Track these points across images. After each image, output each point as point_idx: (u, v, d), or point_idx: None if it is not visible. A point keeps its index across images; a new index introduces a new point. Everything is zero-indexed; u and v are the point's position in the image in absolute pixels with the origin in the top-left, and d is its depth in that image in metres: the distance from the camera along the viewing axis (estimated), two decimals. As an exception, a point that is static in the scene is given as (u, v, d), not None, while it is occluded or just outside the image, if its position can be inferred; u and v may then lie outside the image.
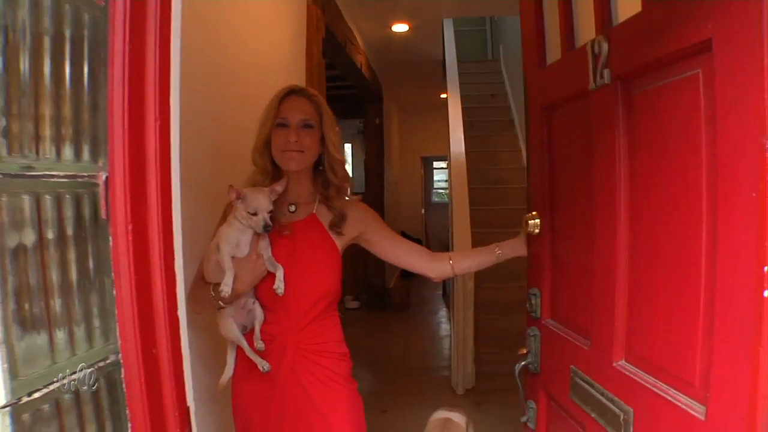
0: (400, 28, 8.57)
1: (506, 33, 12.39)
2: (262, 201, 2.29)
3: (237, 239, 2.32)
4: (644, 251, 1.80)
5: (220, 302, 2.35)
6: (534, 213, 2.54)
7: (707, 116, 1.51)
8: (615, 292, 1.91)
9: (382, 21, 8.29)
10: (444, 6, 8.22)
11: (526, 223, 2.54)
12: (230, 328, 2.42)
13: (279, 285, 2.37)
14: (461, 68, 9.48)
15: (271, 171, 2.54)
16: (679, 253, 1.62)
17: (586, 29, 2.24)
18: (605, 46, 1.93)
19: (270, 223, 2.29)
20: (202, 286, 2.44)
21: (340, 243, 2.59)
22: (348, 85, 10.32)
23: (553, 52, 2.55)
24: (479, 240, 5.33)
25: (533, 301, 2.58)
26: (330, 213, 2.60)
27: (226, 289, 2.27)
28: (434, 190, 20.09)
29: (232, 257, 2.32)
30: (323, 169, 2.60)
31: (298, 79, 4.61)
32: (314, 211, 2.61)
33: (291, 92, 2.54)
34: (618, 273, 1.89)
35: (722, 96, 1.44)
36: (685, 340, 1.58)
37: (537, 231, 2.52)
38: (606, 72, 1.93)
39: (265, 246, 2.39)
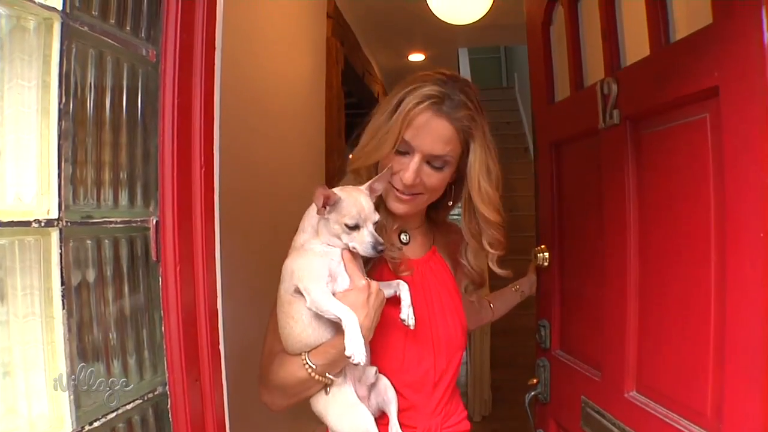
0: (416, 57, 8.71)
1: (521, 61, 12.49)
2: (365, 205, 1.62)
3: (327, 268, 1.64)
4: (654, 285, 1.87)
5: (327, 376, 1.66)
6: (543, 246, 2.61)
7: (715, 158, 1.59)
8: (626, 325, 1.97)
9: (399, 51, 8.43)
10: (459, 36, 8.33)
11: (536, 256, 2.61)
12: (361, 418, 1.66)
13: (408, 313, 1.70)
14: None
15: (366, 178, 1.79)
16: (689, 287, 1.69)
17: (594, 69, 2.32)
18: (614, 87, 2.02)
19: (381, 239, 1.62)
20: (287, 362, 1.70)
21: (458, 282, 2.04)
22: (365, 112, 10.40)
23: (562, 89, 2.63)
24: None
25: (543, 333, 2.64)
26: (446, 242, 2.07)
27: (357, 351, 1.52)
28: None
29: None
30: (452, 204, 2.01)
31: (318, 110, 4.73)
32: (434, 243, 2.04)
33: (432, 103, 1.73)
34: (628, 306, 1.96)
35: (729, 139, 1.52)
36: (696, 371, 1.65)
37: (546, 264, 2.59)
38: (615, 112, 2.01)
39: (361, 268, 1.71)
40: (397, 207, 1.82)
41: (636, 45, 2.00)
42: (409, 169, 1.74)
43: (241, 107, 2.94)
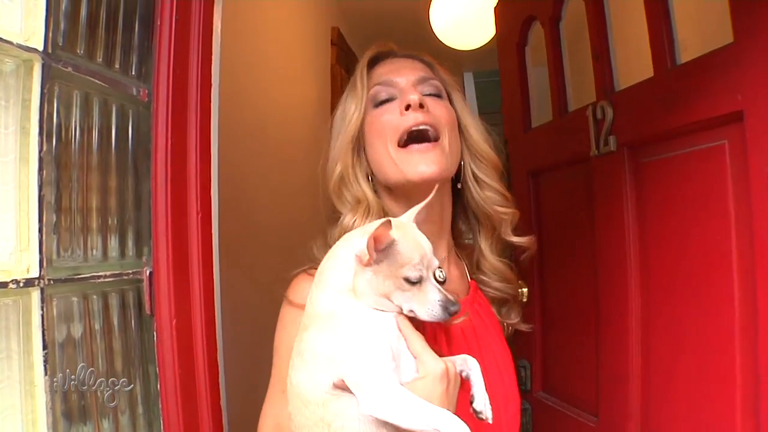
0: (421, 82, 8.66)
1: (526, 83, 12.46)
2: (426, 247, 1.15)
3: (389, 348, 1.11)
4: (661, 326, 1.75)
5: None
6: (520, 282, 2.45)
7: (736, 187, 1.49)
8: (628, 368, 1.84)
9: (404, 76, 8.38)
10: (464, 60, 8.30)
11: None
12: None
13: (484, 402, 1.18)
14: (482, 119, 9.51)
15: (373, 204, 1.40)
16: (707, 328, 1.57)
17: (580, 93, 2.21)
18: (610, 112, 1.89)
19: (453, 297, 1.13)
20: None
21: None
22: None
23: (539, 114, 2.51)
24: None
25: (522, 374, 2.44)
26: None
27: None
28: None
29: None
30: (461, 186, 1.53)
31: (323, 137, 4.61)
32: (468, 274, 1.58)
33: (384, 53, 1.54)
34: (630, 348, 1.83)
35: (756, 167, 1.42)
36: (716, 422, 1.53)
37: (524, 300, 2.43)
38: (611, 138, 1.88)
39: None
40: (418, 167, 1.34)
41: (631, 67, 1.90)
42: (405, 91, 1.40)
43: (242, 143, 2.85)
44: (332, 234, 1.36)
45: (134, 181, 1.28)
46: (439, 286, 1.12)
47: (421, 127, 1.35)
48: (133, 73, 1.30)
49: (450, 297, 1.11)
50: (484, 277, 1.55)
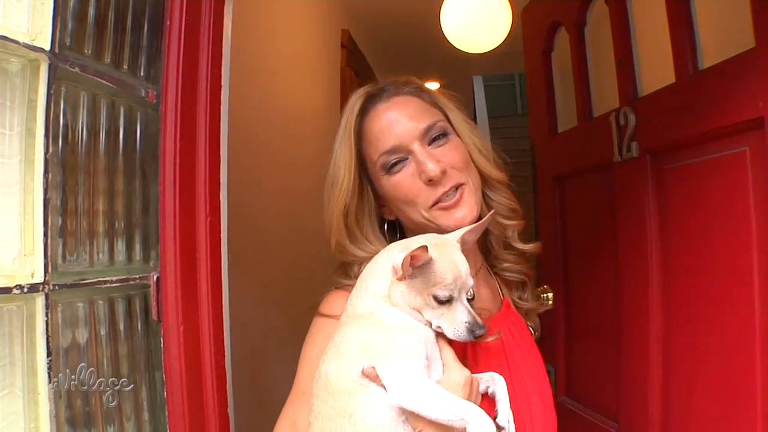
0: (431, 86, 8.54)
1: (536, 87, 12.40)
2: (462, 269, 1.16)
3: (424, 348, 1.14)
4: (683, 332, 1.72)
5: None
6: (546, 286, 2.45)
7: (757, 194, 1.46)
8: (648, 375, 1.82)
9: (414, 80, 8.35)
10: (474, 63, 8.27)
11: (538, 297, 2.45)
12: None
13: (508, 418, 1.20)
14: (491, 123, 9.46)
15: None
16: (729, 333, 1.55)
17: (604, 99, 2.19)
18: (632, 118, 1.89)
19: (481, 321, 1.15)
20: None
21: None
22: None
23: (565, 120, 2.50)
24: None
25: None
26: (513, 288, 1.61)
27: None
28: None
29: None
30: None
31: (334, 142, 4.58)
32: (500, 291, 1.58)
33: (371, 95, 1.47)
34: (651, 355, 1.81)
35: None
36: (741, 427, 1.50)
37: (550, 304, 2.42)
38: (634, 145, 1.88)
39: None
40: (455, 215, 1.35)
41: (654, 73, 1.88)
42: (421, 162, 1.35)
43: (252, 146, 2.82)
44: (352, 274, 1.38)
45: (142, 185, 1.25)
46: (470, 308, 1.14)
47: (449, 192, 1.36)
48: (142, 74, 1.27)
49: (478, 320, 1.13)
50: (503, 264, 1.57)
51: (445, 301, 1.13)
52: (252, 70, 2.85)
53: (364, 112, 1.43)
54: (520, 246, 1.53)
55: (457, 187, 1.36)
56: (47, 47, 1.02)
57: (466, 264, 1.17)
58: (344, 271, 1.40)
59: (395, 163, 1.38)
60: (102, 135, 1.17)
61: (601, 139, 2.04)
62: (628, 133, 1.90)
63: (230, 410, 1.36)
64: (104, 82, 1.15)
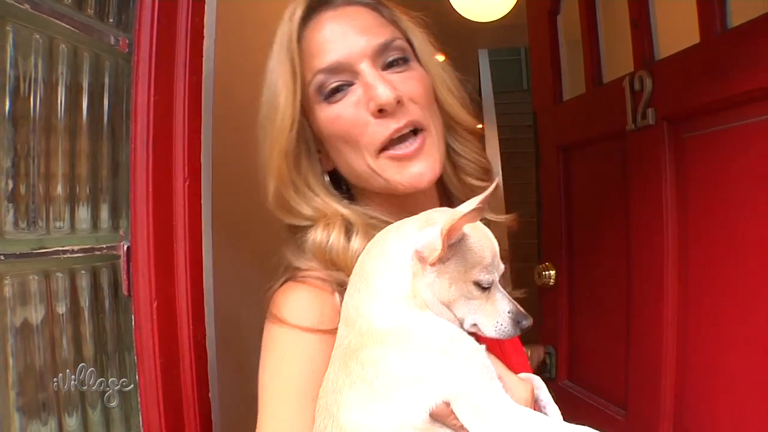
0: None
1: (542, 62, 12.28)
2: (495, 243, 0.95)
3: (486, 358, 0.90)
4: (701, 314, 1.60)
5: None
6: (547, 264, 2.34)
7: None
8: (662, 359, 1.70)
9: (417, 52, 8.25)
10: (480, 37, 8.13)
11: (539, 275, 2.34)
12: None
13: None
14: (496, 98, 9.34)
15: (347, 214, 1.13)
16: (753, 317, 1.43)
17: (616, 63, 2.06)
18: (649, 83, 1.75)
19: (522, 309, 0.93)
20: None
21: None
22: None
23: (571, 86, 2.36)
24: (520, 275, 5.13)
25: (547, 360, 2.36)
26: None
27: None
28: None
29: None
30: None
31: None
32: None
33: (324, 2, 1.15)
34: (665, 336, 1.69)
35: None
36: (763, 420, 1.39)
37: (552, 283, 2.31)
38: (650, 111, 1.74)
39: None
40: (411, 169, 1.09)
41: (674, 33, 1.75)
42: (370, 84, 1.06)
43: (238, 101, 2.63)
44: (304, 247, 1.09)
45: (110, 144, 1.12)
46: (508, 295, 0.92)
47: (404, 132, 1.07)
48: (111, 19, 1.13)
49: (521, 309, 0.91)
50: None
51: (486, 288, 0.89)
52: (239, 21, 2.69)
53: (305, 21, 1.12)
54: (491, 217, 1.22)
55: (416, 131, 1.09)
56: (-9, -21, 0.88)
57: (496, 240, 0.94)
58: (294, 244, 1.12)
59: (336, 89, 1.08)
60: (62, 87, 1.03)
61: (613, 106, 1.91)
62: (644, 98, 1.77)
63: (212, 395, 1.24)
64: (63, 24, 1.01)
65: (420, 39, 1.18)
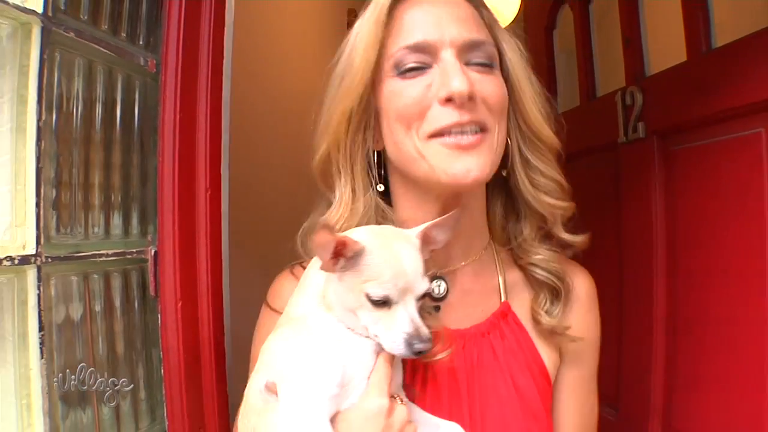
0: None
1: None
2: (408, 267, 0.92)
3: (341, 367, 0.93)
4: (689, 317, 1.68)
5: None
6: None
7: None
8: (651, 361, 1.78)
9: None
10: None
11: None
12: None
13: None
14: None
15: (369, 203, 1.12)
16: (739, 320, 1.51)
17: (609, 78, 2.14)
18: (639, 98, 1.84)
19: (427, 331, 0.91)
20: None
21: (550, 360, 1.20)
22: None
23: (566, 99, 2.44)
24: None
25: None
26: (528, 287, 1.23)
27: None
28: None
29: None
30: (507, 173, 1.18)
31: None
32: (504, 292, 1.21)
33: None
34: (654, 338, 1.78)
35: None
36: (749, 419, 1.46)
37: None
38: (640, 125, 1.83)
39: (398, 379, 1.02)
40: (461, 162, 1.03)
41: (663, 52, 1.84)
42: (448, 72, 1.03)
43: (255, 119, 2.76)
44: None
45: (140, 156, 1.21)
46: (416, 317, 0.91)
47: (465, 128, 1.04)
48: (141, 42, 1.23)
49: (423, 332, 0.89)
50: (532, 258, 1.21)
51: (382, 303, 0.90)
52: (255, 43, 2.80)
53: (397, 4, 1.09)
54: (566, 236, 1.19)
55: (480, 128, 1.05)
56: (40, 10, 0.97)
57: (418, 263, 0.93)
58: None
59: (413, 68, 1.06)
60: (99, 104, 1.13)
61: (606, 119, 2.00)
62: (635, 113, 1.86)
63: (230, 389, 1.33)
64: (101, 48, 1.10)
65: (512, 48, 1.15)
